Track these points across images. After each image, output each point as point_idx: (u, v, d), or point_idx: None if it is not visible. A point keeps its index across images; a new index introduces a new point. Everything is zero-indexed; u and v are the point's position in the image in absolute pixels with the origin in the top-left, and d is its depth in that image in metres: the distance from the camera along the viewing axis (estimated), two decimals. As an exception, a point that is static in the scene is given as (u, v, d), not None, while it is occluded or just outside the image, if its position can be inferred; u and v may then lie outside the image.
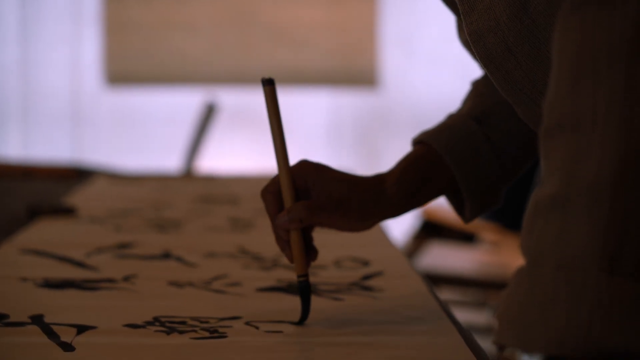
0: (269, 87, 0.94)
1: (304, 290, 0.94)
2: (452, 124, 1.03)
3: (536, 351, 0.63)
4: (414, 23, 4.38)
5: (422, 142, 1.02)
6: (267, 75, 0.96)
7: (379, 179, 0.99)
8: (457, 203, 1.04)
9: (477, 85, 1.07)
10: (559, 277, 0.64)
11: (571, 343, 0.63)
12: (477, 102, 1.04)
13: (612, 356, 0.63)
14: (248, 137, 4.25)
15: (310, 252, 0.96)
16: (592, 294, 0.63)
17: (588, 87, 0.65)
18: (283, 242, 0.95)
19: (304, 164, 0.96)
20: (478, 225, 3.27)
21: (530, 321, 0.64)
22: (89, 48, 4.28)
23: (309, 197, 0.95)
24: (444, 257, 2.80)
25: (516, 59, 0.85)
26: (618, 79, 0.64)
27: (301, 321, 0.94)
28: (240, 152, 4.21)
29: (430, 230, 3.19)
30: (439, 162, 1.00)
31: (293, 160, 0.97)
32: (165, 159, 3.88)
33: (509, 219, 3.45)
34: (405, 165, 1.00)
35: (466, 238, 3.19)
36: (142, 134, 4.32)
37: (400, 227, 3.38)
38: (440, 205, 3.72)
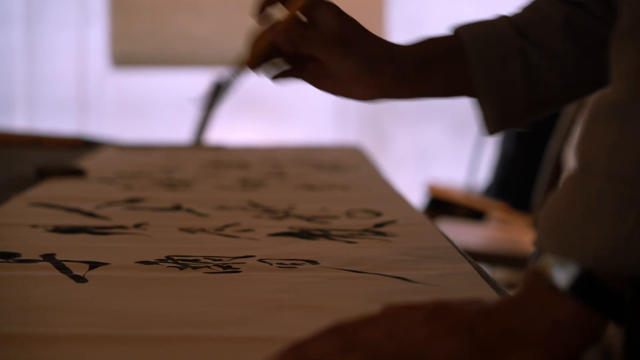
0: None
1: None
2: (491, 23, 0.96)
3: (572, 260, 0.62)
4: (422, 8, 4.37)
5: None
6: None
7: (390, 42, 0.95)
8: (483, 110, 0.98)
9: (537, 2, 0.99)
10: (607, 187, 0.62)
11: (608, 256, 0.61)
12: (527, 13, 0.97)
13: None
14: (254, 119, 4.24)
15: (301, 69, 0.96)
16: (638, 209, 0.61)
17: None
18: (256, 40, 0.95)
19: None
20: (487, 203, 3.26)
21: (570, 229, 0.62)
22: (94, 30, 4.27)
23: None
24: (452, 232, 2.79)
25: None
26: None
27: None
28: (246, 135, 4.20)
29: (438, 208, 3.18)
30: (462, 52, 0.95)
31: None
32: (172, 140, 3.87)
33: (517, 199, 3.44)
34: (425, 39, 0.96)
35: (475, 216, 3.18)
36: (148, 116, 4.31)
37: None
38: (447, 182, 3.70)
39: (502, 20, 0.97)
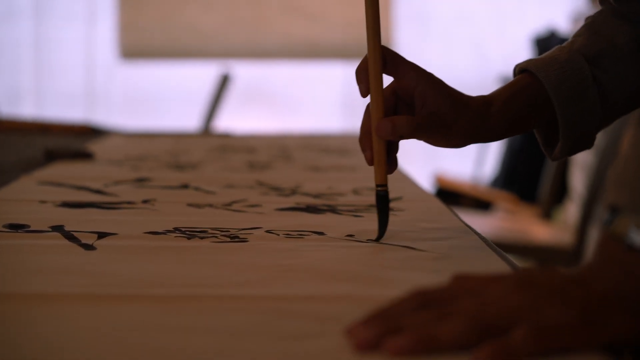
0: None
1: (382, 200, 0.91)
2: (562, 58, 0.98)
3: None
4: (429, 2, 4.37)
5: (528, 71, 0.98)
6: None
7: (485, 102, 0.96)
8: (545, 137, 1.01)
9: (593, 21, 1.02)
10: None
11: None
12: (592, 40, 0.99)
13: None
14: (261, 112, 4.24)
15: (391, 163, 0.94)
16: None
17: None
18: (367, 142, 0.93)
19: (418, 70, 0.95)
20: (493, 194, 3.27)
21: None
22: (102, 23, 4.28)
23: (412, 106, 0.94)
24: (459, 222, 2.79)
25: None
26: None
27: (379, 237, 0.91)
28: (253, 127, 4.21)
29: (445, 199, 3.17)
30: (543, 95, 0.97)
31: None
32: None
33: (523, 190, 3.45)
34: (512, 93, 0.97)
35: (481, 207, 3.18)
36: (156, 108, 4.32)
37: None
38: (454, 174, 3.70)
39: (571, 52, 0.98)
